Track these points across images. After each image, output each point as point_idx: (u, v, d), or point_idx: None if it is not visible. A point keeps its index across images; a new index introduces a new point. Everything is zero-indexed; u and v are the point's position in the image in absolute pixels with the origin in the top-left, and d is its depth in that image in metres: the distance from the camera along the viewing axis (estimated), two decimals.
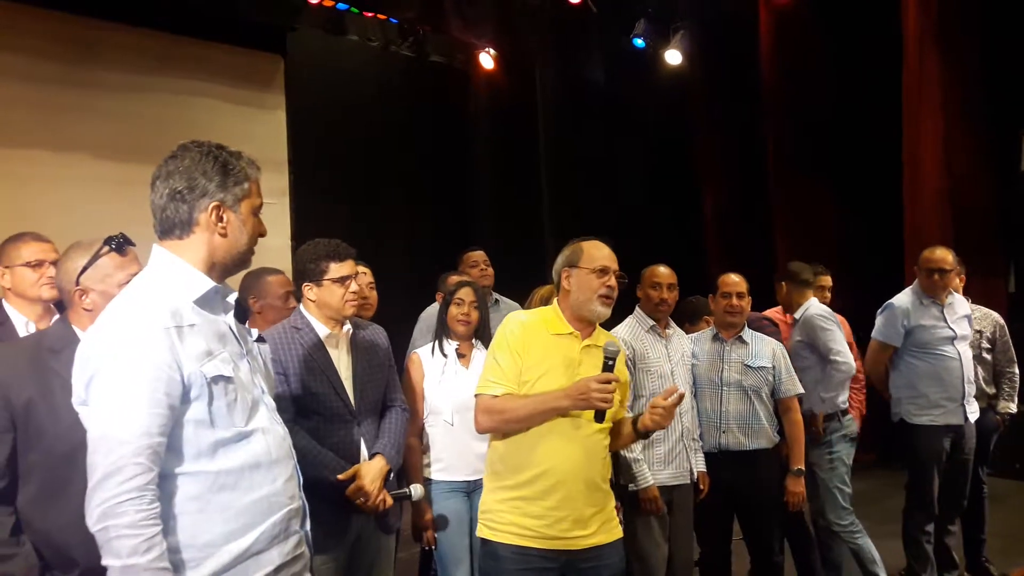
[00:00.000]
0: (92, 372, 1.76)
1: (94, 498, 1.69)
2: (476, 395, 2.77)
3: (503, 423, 2.70)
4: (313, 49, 7.49)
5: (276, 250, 6.59)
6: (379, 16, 7.52)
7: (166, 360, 1.75)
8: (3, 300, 3.00)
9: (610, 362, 2.62)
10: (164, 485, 1.76)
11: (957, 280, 4.81)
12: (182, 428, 1.78)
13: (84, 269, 2.20)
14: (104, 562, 1.70)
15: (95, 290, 2.19)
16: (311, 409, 2.87)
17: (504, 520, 2.69)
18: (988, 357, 4.83)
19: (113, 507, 1.67)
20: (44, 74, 5.88)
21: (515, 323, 2.79)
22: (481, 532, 2.77)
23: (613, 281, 2.75)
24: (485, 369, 2.79)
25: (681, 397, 2.74)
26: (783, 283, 4.63)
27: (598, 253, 2.80)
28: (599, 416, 2.63)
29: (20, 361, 2.18)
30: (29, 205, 5.51)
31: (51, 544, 2.07)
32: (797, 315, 4.50)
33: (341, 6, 7.12)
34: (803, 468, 3.95)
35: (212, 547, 1.79)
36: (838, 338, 4.33)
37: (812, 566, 4.29)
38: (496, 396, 2.70)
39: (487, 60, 8.35)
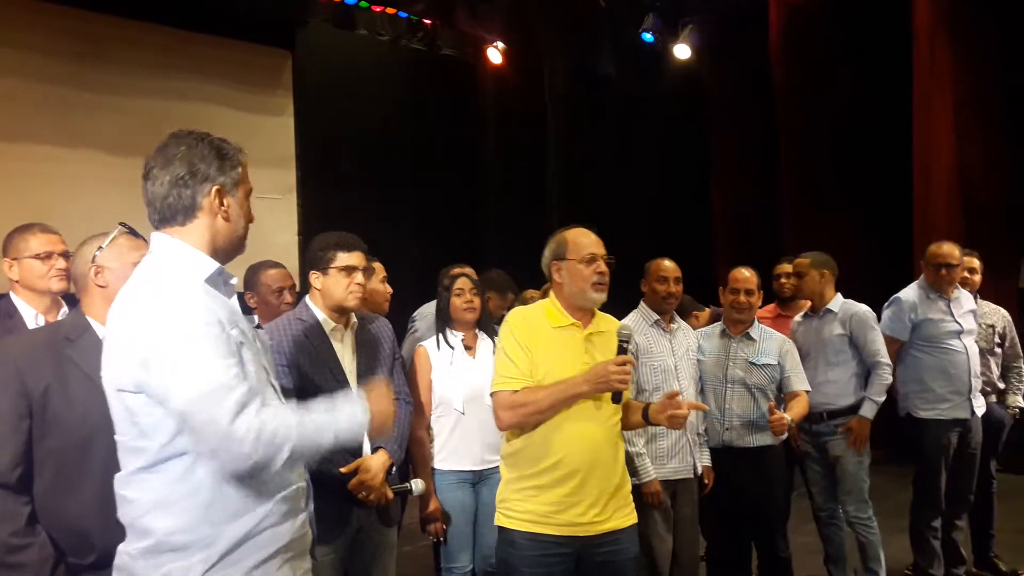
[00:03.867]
0: (150, 353, 1.74)
1: (237, 429, 1.71)
2: (493, 393, 2.77)
3: (527, 416, 2.70)
4: (321, 44, 7.51)
5: (283, 246, 6.61)
6: (388, 10, 7.54)
7: (215, 317, 1.79)
8: (11, 292, 3.00)
9: (624, 344, 2.69)
10: (181, 464, 1.77)
11: (977, 277, 4.81)
12: None
13: (101, 248, 2.26)
14: (280, 458, 1.76)
15: (110, 267, 2.25)
16: (315, 401, 2.87)
17: (520, 508, 2.74)
18: (999, 351, 4.84)
19: (263, 426, 1.73)
20: (51, 70, 5.92)
21: (519, 319, 2.83)
22: (498, 520, 2.81)
23: (603, 267, 2.80)
24: (498, 366, 2.79)
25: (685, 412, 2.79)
26: (817, 272, 4.39)
27: (585, 241, 2.83)
28: (616, 397, 2.71)
29: (37, 350, 2.21)
30: (35, 200, 5.54)
31: (68, 531, 2.10)
32: (833, 307, 4.33)
33: (350, 0, 7.12)
34: (794, 421, 3.80)
35: (226, 522, 1.80)
36: (884, 341, 4.31)
37: None
38: (515, 391, 2.71)
39: (495, 55, 8.35)
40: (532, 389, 2.70)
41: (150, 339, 1.75)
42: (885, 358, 4.25)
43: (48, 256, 2.95)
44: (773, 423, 3.64)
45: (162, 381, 1.74)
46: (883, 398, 4.25)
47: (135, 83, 6.28)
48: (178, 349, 1.73)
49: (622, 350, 2.69)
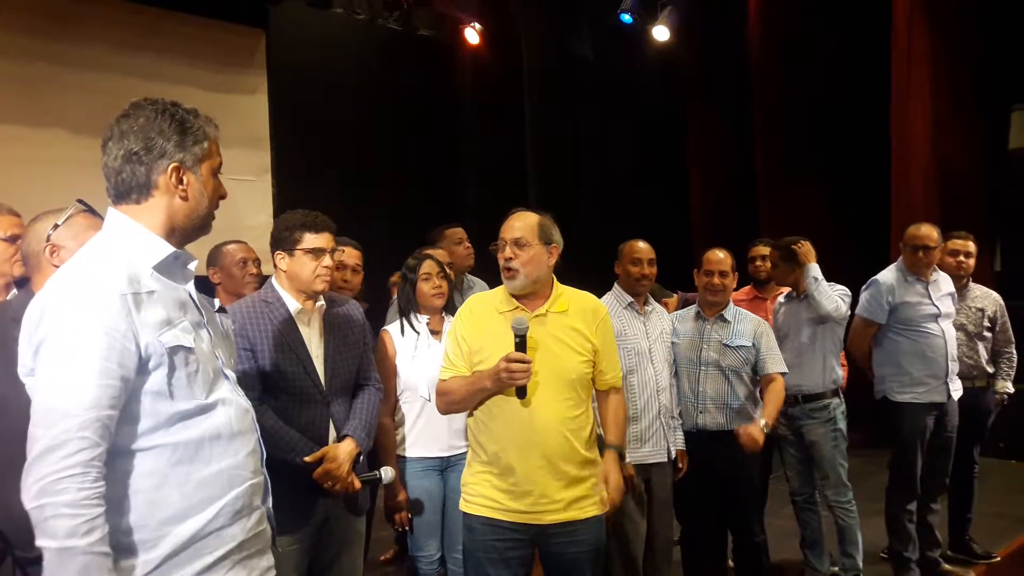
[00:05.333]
0: (40, 339, 1.66)
1: (32, 473, 1.58)
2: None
3: (449, 404, 2.86)
4: (295, 22, 7.37)
5: (257, 228, 6.49)
6: None
7: (121, 328, 1.66)
8: None
9: (517, 339, 2.63)
10: (119, 463, 1.68)
11: (972, 261, 4.74)
12: (139, 401, 1.69)
13: (56, 226, 2.17)
14: (38, 543, 1.57)
15: (66, 247, 2.15)
16: (279, 388, 2.79)
17: (476, 492, 2.77)
18: (989, 336, 4.77)
19: (52, 483, 1.56)
20: (16, 47, 5.75)
21: (464, 308, 2.90)
22: (460, 504, 2.85)
23: (508, 252, 2.77)
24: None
25: None
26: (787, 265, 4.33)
27: (502, 227, 2.84)
28: (520, 392, 2.66)
29: None
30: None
31: (15, 523, 2.01)
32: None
33: None
34: (768, 424, 3.74)
35: (169, 524, 1.71)
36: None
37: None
38: (444, 380, 2.83)
39: (472, 35, 8.24)
40: (455, 379, 2.80)
41: (46, 327, 1.66)
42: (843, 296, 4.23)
43: (14, 240, 2.82)
44: (743, 439, 3.63)
45: (40, 374, 1.66)
46: (818, 287, 4.13)
47: (104, 61, 6.12)
48: (62, 349, 1.64)
49: (517, 346, 2.62)
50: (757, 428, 3.68)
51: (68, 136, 5.95)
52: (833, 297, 4.15)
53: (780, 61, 7.95)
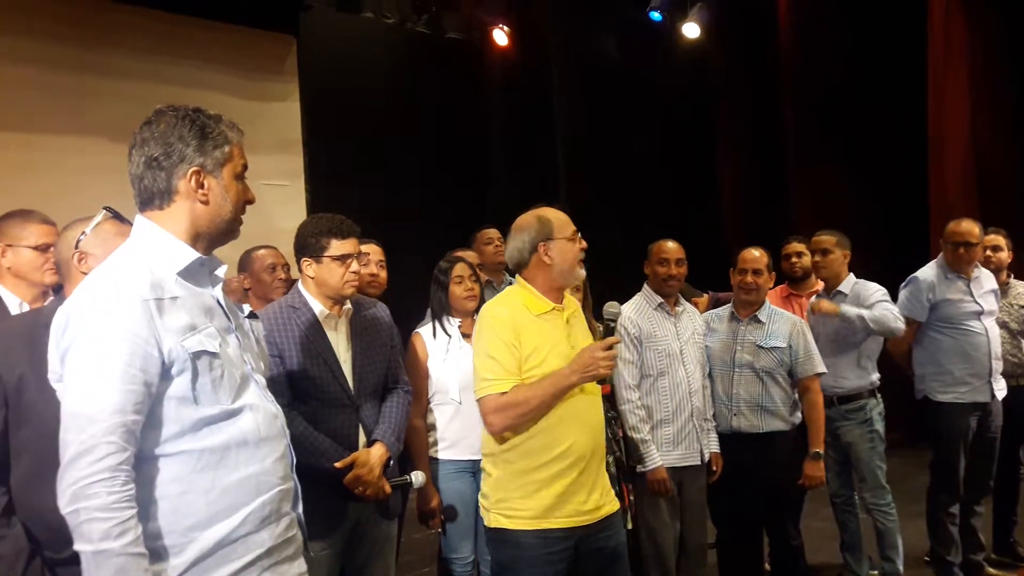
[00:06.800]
0: (66, 345, 1.69)
1: (65, 479, 1.62)
2: (479, 399, 2.67)
3: (520, 417, 2.61)
4: (325, 28, 7.43)
5: (291, 232, 6.50)
6: None
7: (143, 334, 1.67)
8: None
9: (611, 324, 2.63)
10: (144, 467, 1.69)
11: (1003, 255, 4.62)
12: (162, 406, 1.71)
13: (84, 234, 2.19)
14: (76, 547, 1.63)
15: (94, 254, 2.16)
16: (308, 394, 2.80)
17: (522, 506, 2.63)
18: None
19: (84, 488, 1.60)
20: (56, 58, 5.84)
21: (499, 316, 2.69)
22: (496, 522, 2.68)
23: (583, 242, 2.77)
24: (480, 370, 2.67)
25: None
26: (841, 252, 4.26)
27: (565, 218, 2.78)
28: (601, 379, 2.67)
29: (13, 337, 2.15)
30: (38, 190, 5.46)
31: (43, 523, 2.04)
32: (844, 288, 4.22)
33: None
34: (821, 451, 3.84)
35: (195, 530, 1.72)
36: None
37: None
38: (504, 393, 2.61)
39: (501, 37, 8.24)
40: (521, 388, 2.60)
41: (71, 335, 1.68)
42: (888, 304, 4.11)
43: (47, 248, 2.85)
44: (806, 483, 3.87)
45: (66, 380, 1.68)
46: (869, 315, 4.02)
47: (139, 69, 6.20)
48: (86, 356, 1.66)
49: (609, 331, 2.61)
50: (812, 465, 3.83)
51: (102, 144, 6.02)
52: (886, 317, 4.05)
53: (811, 57, 7.80)
